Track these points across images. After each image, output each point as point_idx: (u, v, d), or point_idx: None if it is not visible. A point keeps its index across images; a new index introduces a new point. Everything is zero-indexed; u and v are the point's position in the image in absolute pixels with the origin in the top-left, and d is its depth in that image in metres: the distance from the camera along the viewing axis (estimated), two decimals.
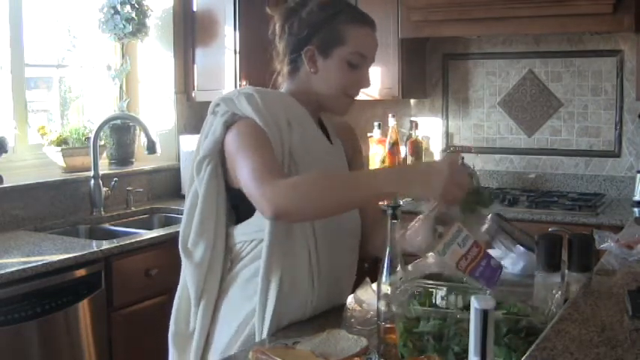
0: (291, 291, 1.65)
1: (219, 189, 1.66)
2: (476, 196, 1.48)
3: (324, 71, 1.69)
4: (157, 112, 3.93)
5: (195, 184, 1.69)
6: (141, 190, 3.65)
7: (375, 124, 4.00)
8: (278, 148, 1.61)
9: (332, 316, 1.71)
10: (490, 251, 2.25)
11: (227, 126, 1.64)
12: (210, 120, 1.70)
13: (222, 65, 3.80)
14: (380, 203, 1.77)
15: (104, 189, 3.39)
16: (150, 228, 3.37)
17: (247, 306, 1.66)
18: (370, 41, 1.72)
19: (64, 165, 3.42)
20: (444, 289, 1.52)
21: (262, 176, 1.51)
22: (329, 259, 1.71)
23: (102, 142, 3.52)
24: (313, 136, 1.72)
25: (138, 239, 2.89)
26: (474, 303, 1.12)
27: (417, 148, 3.98)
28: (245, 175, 1.55)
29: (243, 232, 1.68)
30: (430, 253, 1.67)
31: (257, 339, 1.63)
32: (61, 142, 3.41)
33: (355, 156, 1.91)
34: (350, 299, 1.82)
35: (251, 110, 1.61)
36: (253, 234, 1.66)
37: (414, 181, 1.50)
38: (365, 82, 1.72)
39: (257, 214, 1.63)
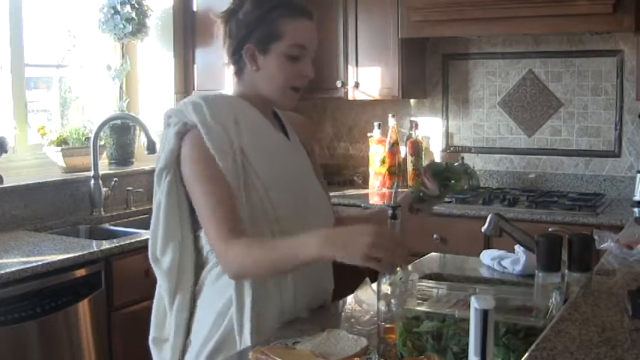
0: (265, 285, 1.65)
1: (179, 197, 1.69)
2: (449, 172, 1.48)
3: (266, 68, 1.70)
4: (157, 112, 3.93)
5: (158, 195, 1.71)
6: (141, 190, 3.65)
7: (375, 124, 4.00)
8: (227, 149, 1.64)
9: (332, 316, 1.71)
10: (490, 251, 2.26)
11: (180, 136, 1.67)
12: (164, 132, 1.73)
13: (222, 65, 3.78)
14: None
15: (104, 189, 3.39)
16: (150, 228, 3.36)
17: (222, 299, 1.67)
18: (307, 31, 1.72)
19: (64, 165, 3.42)
20: (444, 288, 1.52)
21: (220, 236, 1.58)
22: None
23: (102, 142, 3.52)
24: (266, 134, 1.73)
25: (138, 239, 2.89)
26: (474, 303, 1.12)
27: (417, 148, 3.98)
28: (205, 223, 1.62)
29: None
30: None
31: (237, 336, 1.63)
32: (61, 142, 3.41)
33: (312, 149, 1.92)
34: (350, 299, 1.82)
35: (197, 118, 1.65)
36: None
37: (335, 245, 1.45)
38: (307, 72, 1.72)
39: None
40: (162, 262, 1.72)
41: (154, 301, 1.80)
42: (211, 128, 1.65)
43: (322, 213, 1.80)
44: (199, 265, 1.73)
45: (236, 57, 1.73)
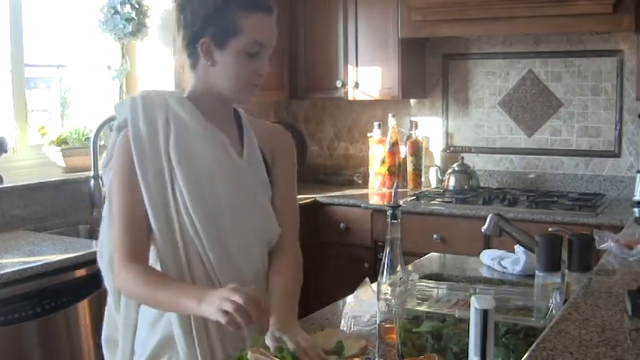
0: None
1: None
2: None
3: (222, 63, 1.62)
4: None
5: (106, 188, 1.70)
6: None
7: (375, 124, 4.00)
8: (151, 154, 1.59)
9: (332, 316, 1.71)
10: (490, 251, 2.26)
11: (119, 130, 1.66)
12: (114, 125, 1.71)
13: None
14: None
15: (104, 189, 3.39)
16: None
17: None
18: (267, 27, 1.63)
19: (64, 165, 3.42)
20: (444, 288, 1.52)
21: (121, 255, 1.56)
22: (228, 269, 1.61)
23: (102, 142, 3.52)
24: (201, 142, 1.62)
25: None
26: (474, 303, 1.12)
27: (417, 148, 3.98)
28: (114, 234, 1.60)
29: None
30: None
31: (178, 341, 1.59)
32: (61, 142, 3.41)
33: (278, 160, 1.76)
34: (350, 299, 1.82)
35: (130, 115, 1.62)
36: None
37: (200, 299, 1.43)
38: (264, 69, 1.64)
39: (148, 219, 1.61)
40: (103, 256, 1.68)
41: (107, 299, 1.74)
42: (140, 130, 1.60)
43: (258, 236, 1.67)
44: None
45: (190, 50, 1.65)
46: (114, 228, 1.60)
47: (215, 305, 1.39)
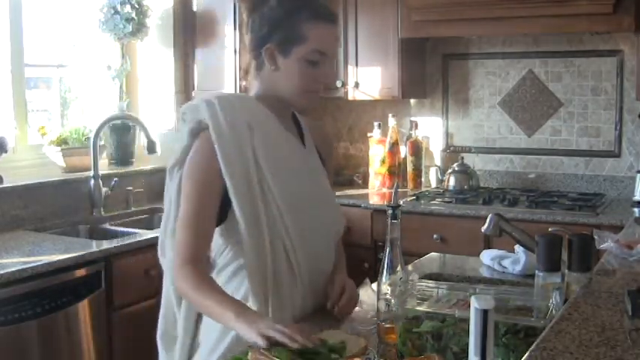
0: (275, 288, 1.65)
1: None
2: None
3: (285, 69, 1.68)
4: (157, 112, 3.93)
5: (169, 191, 1.72)
6: (141, 190, 3.65)
7: (375, 124, 4.00)
8: (237, 158, 1.62)
9: (330, 315, 1.71)
10: (490, 251, 2.26)
11: (193, 134, 1.67)
12: (180, 127, 1.74)
13: (222, 65, 3.80)
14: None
15: (104, 189, 3.39)
16: (150, 228, 3.37)
17: None
18: (330, 38, 1.70)
19: (64, 165, 3.42)
20: (444, 288, 1.52)
21: (182, 255, 1.60)
22: (307, 257, 1.70)
23: (102, 142, 3.52)
24: (279, 139, 1.72)
25: (138, 239, 2.89)
26: (474, 303, 1.12)
27: (417, 148, 3.98)
28: (178, 232, 1.63)
29: (219, 235, 1.69)
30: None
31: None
32: (61, 142, 3.41)
33: (327, 161, 1.89)
34: None
35: (210, 118, 1.64)
36: (229, 237, 1.67)
37: (238, 314, 1.48)
38: (325, 78, 1.71)
39: (230, 217, 1.65)
40: (165, 255, 1.73)
41: (163, 296, 1.79)
42: (223, 133, 1.63)
43: (329, 223, 1.79)
44: (210, 261, 1.72)
45: (255, 53, 1.71)
46: (179, 228, 1.63)
47: (255, 328, 1.42)
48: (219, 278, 1.69)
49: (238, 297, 1.64)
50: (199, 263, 1.61)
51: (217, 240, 1.69)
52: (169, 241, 1.70)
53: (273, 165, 1.67)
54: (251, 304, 1.63)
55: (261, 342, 1.39)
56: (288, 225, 1.65)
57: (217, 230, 1.68)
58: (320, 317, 1.72)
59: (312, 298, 1.73)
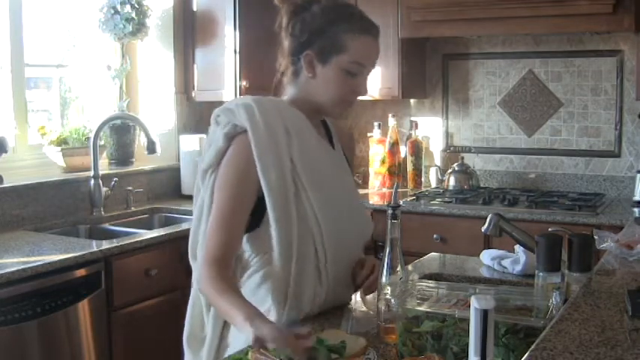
0: (297, 288, 1.66)
1: None
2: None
3: (322, 78, 1.69)
4: (157, 112, 3.93)
5: (202, 193, 1.72)
6: (141, 190, 3.65)
7: (375, 124, 4.00)
8: (275, 162, 1.63)
9: (332, 316, 1.71)
10: (490, 251, 2.26)
11: (229, 137, 1.66)
12: (212, 129, 1.72)
13: (222, 65, 3.80)
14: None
15: (104, 189, 3.39)
16: (150, 228, 3.37)
17: (261, 309, 1.65)
18: (371, 51, 1.71)
19: (64, 165, 3.42)
20: (444, 288, 1.52)
21: (209, 254, 1.61)
22: (336, 261, 1.71)
23: (102, 142, 3.52)
24: (313, 144, 1.73)
25: (138, 239, 2.89)
26: (474, 303, 1.12)
27: (417, 148, 3.98)
28: (209, 232, 1.64)
29: (251, 243, 1.69)
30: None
31: None
32: (61, 142, 3.41)
33: (351, 162, 1.94)
34: (353, 299, 1.83)
35: (248, 122, 1.64)
36: (261, 246, 1.68)
37: (247, 317, 1.48)
38: (362, 90, 1.72)
39: (263, 225, 1.66)
40: (197, 257, 1.72)
41: (190, 297, 1.80)
42: (261, 137, 1.63)
43: (361, 227, 1.82)
44: (240, 266, 1.72)
45: (294, 59, 1.71)
46: (210, 228, 1.64)
47: (257, 333, 1.42)
48: (247, 284, 1.70)
49: (267, 304, 1.65)
50: (226, 265, 1.62)
51: (247, 247, 1.69)
52: (201, 243, 1.70)
53: (309, 170, 1.67)
54: (270, 304, 1.64)
55: (253, 343, 1.40)
56: (322, 231, 1.66)
57: (248, 237, 1.68)
58: (321, 317, 1.72)
59: (333, 298, 1.74)
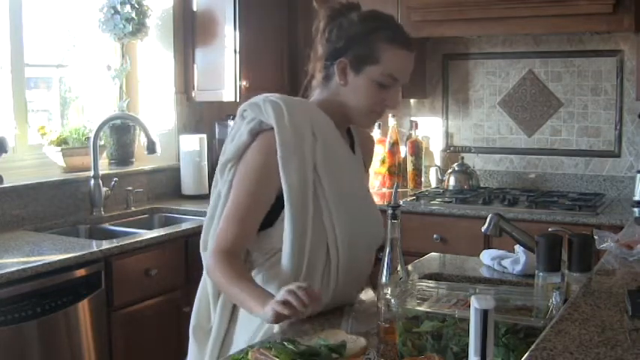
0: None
1: None
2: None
3: (353, 86, 1.69)
4: (157, 112, 3.93)
5: (219, 186, 1.72)
6: (141, 190, 3.65)
7: (375, 124, 4.00)
8: (298, 163, 1.63)
9: (332, 316, 1.71)
10: (490, 251, 2.26)
11: (253, 133, 1.66)
12: (237, 123, 1.72)
13: (222, 65, 3.80)
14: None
15: (104, 189, 3.39)
16: (150, 228, 3.37)
17: None
18: (405, 64, 1.70)
19: (64, 165, 3.42)
20: (444, 288, 1.52)
21: (220, 245, 1.64)
22: (348, 265, 1.71)
23: (102, 142, 3.52)
24: (336, 148, 1.73)
25: (138, 239, 2.89)
26: (474, 303, 1.12)
27: (417, 148, 3.98)
28: (222, 223, 1.66)
29: (263, 242, 1.70)
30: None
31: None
32: (61, 142, 3.41)
33: (367, 168, 1.95)
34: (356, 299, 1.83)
35: (275, 120, 1.63)
36: (272, 246, 1.69)
37: (264, 304, 1.51)
38: (391, 103, 1.72)
39: (277, 224, 1.66)
40: (209, 251, 1.73)
41: (199, 289, 1.81)
42: (287, 136, 1.63)
43: (374, 231, 1.81)
44: (250, 261, 1.73)
45: (327, 63, 1.71)
46: (224, 218, 1.65)
47: (269, 305, 1.46)
48: (257, 279, 1.70)
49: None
50: (235, 256, 1.63)
51: (257, 245, 1.70)
52: (213, 234, 1.71)
53: (331, 175, 1.68)
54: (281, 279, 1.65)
55: (270, 317, 1.45)
56: (337, 234, 1.67)
57: (260, 236, 1.69)
58: (321, 317, 1.72)
59: (339, 299, 1.75)
